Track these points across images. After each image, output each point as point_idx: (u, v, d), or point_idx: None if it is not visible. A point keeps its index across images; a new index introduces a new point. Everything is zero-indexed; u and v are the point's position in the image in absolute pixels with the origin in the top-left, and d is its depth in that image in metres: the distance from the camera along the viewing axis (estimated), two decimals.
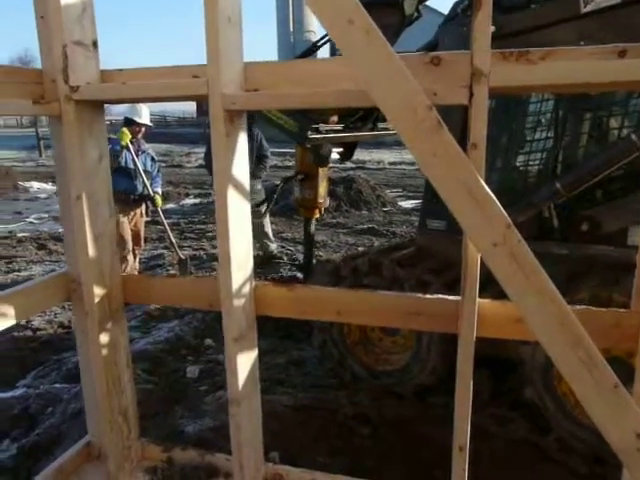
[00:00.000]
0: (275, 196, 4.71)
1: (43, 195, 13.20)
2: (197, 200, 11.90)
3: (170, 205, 11.36)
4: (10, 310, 1.66)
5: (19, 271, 6.43)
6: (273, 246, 6.52)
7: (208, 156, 6.21)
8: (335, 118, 3.83)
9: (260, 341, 3.75)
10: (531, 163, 3.22)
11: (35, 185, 14.22)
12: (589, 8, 2.74)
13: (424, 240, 3.48)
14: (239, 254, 1.62)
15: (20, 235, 8.51)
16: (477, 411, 2.86)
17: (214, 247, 7.48)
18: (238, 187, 1.59)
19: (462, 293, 1.47)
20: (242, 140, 1.60)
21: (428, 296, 1.63)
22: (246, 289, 1.68)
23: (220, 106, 1.47)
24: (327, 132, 3.74)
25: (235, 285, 1.61)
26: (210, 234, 8.21)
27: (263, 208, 5.45)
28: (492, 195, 1.28)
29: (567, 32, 2.75)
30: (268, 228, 6.42)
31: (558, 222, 2.98)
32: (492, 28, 3.14)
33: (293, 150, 4.53)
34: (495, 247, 1.27)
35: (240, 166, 1.60)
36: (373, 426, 2.74)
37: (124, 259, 5.15)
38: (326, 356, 3.38)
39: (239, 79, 1.52)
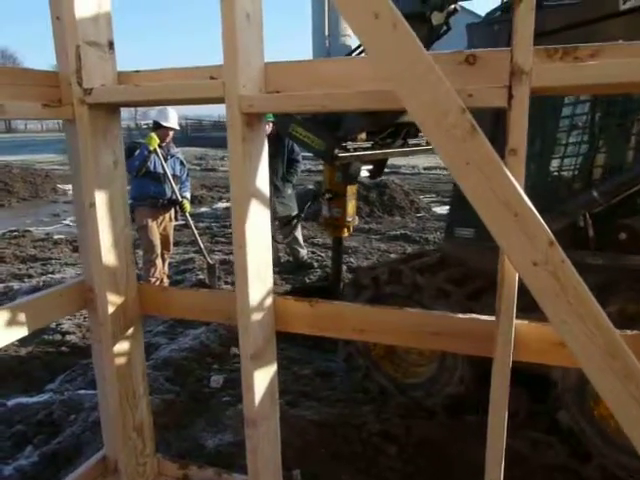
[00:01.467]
0: (303, 214, 4.64)
1: None
2: (229, 204, 11.91)
3: (203, 209, 11.43)
4: (24, 319, 1.61)
5: (53, 273, 6.52)
6: (303, 252, 6.43)
7: None
8: (363, 135, 3.74)
9: (288, 350, 3.69)
10: (565, 169, 3.04)
11: None
12: (628, 5, 2.57)
13: (450, 248, 3.32)
14: (257, 265, 1.53)
15: (56, 237, 8.67)
16: (512, 434, 2.72)
17: None
18: (257, 195, 1.50)
19: (497, 314, 1.33)
20: (262, 145, 1.51)
21: (460, 315, 1.50)
22: (265, 303, 1.58)
23: (237, 109, 1.38)
24: (355, 150, 3.65)
25: (253, 298, 1.51)
26: None
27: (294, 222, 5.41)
28: (533, 208, 1.14)
29: (605, 30, 2.58)
30: (299, 234, 6.33)
31: (593, 231, 2.79)
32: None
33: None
34: (535, 266, 1.14)
35: (259, 173, 1.51)
36: (400, 445, 2.60)
37: (153, 263, 5.15)
38: (352, 369, 3.26)
39: (259, 80, 1.43)
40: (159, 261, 5.19)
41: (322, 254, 6.91)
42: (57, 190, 13.90)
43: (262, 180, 1.52)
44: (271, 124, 5.93)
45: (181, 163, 5.33)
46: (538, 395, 2.86)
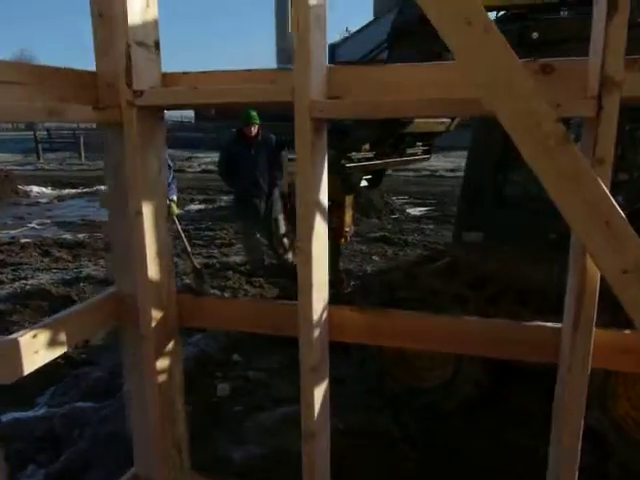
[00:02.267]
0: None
1: (44, 200, 12.99)
2: (202, 206, 11.73)
3: (176, 211, 11.21)
4: (61, 337, 1.52)
5: (26, 279, 6.25)
6: (289, 255, 6.36)
7: (223, 166, 6.06)
8: (367, 146, 3.75)
9: (296, 355, 3.62)
10: None
11: (35, 189, 14.02)
12: None
13: (459, 252, 3.34)
14: (320, 277, 1.48)
15: (23, 241, 8.32)
16: (533, 435, 2.75)
17: (224, 255, 7.33)
18: (321, 204, 1.46)
19: (574, 322, 1.32)
20: (325, 152, 1.47)
21: (521, 323, 1.50)
22: (323, 314, 1.54)
23: (307, 114, 1.33)
24: (359, 160, 3.65)
25: (315, 310, 1.47)
26: (219, 241, 8.06)
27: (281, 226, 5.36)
28: (624, 217, 1.14)
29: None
30: (285, 238, 6.26)
31: None
32: (535, 35, 3.01)
33: None
34: (625, 274, 1.14)
35: (324, 181, 1.46)
36: (421, 449, 2.60)
37: None
38: (365, 375, 3.24)
39: (323, 85, 1.39)
40: None
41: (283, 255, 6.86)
42: (18, 192, 13.36)
43: (325, 188, 1.48)
44: (256, 126, 5.87)
45: (167, 166, 5.18)
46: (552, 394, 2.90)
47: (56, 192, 13.98)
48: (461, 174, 12.82)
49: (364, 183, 4.16)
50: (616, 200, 2.76)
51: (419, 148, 4.24)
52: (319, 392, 1.55)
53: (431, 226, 9.77)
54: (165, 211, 1.67)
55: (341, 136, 3.68)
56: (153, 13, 1.54)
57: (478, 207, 3.12)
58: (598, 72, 1.16)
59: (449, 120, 3.94)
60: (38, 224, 10.08)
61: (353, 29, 39.77)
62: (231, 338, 3.76)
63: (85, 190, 13.77)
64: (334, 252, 4.47)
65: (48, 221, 10.32)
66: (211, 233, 8.67)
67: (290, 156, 3.84)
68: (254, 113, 5.77)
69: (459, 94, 1.29)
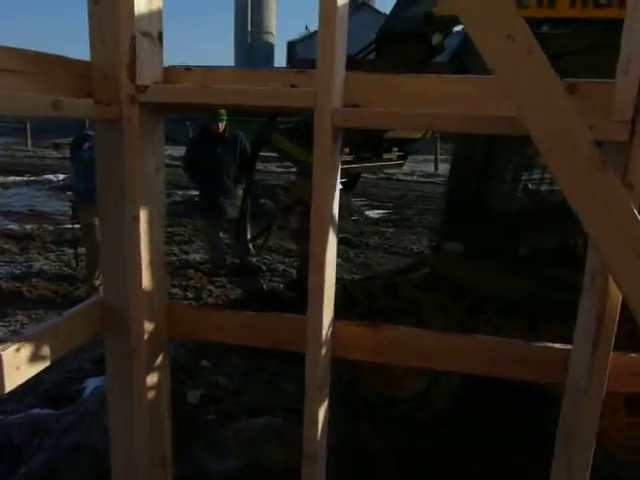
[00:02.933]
0: (274, 226, 4.52)
1: None
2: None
3: None
4: (44, 351, 1.39)
5: None
6: (251, 258, 6.26)
7: (188, 162, 5.87)
8: (347, 149, 3.71)
9: (266, 361, 3.53)
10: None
11: None
12: None
13: (439, 262, 3.34)
14: (330, 290, 1.42)
15: None
16: (514, 448, 2.78)
17: (184, 252, 7.12)
18: (334, 216, 1.39)
19: (594, 344, 1.31)
20: (338, 159, 1.40)
21: (534, 343, 1.48)
22: (330, 329, 1.47)
23: (329, 122, 1.27)
24: (340, 163, 3.60)
25: (324, 325, 1.41)
26: (178, 238, 7.83)
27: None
28: None
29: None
30: (247, 235, 6.14)
31: (584, 249, 2.92)
32: None
33: (276, 154, 4.35)
34: None
35: (337, 191, 1.40)
36: (398, 459, 2.57)
37: (96, 265, 4.77)
38: (342, 385, 3.18)
39: (341, 91, 1.33)
40: None
41: (268, 257, 6.77)
42: None
43: (337, 199, 1.41)
44: (224, 122, 5.72)
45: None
46: (532, 409, 2.94)
47: (0, 179, 13.25)
48: (417, 179, 13.00)
49: (340, 186, 4.13)
50: None
51: (394, 153, 4.24)
52: (322, 411, 1.49)
53: (390, 229, 9.84)
54: (163, 215, 1.56)
55: None
56: (159, 2, 1.43)
57: (460, 218, 3.13)
58: (632, 95, 1.15)
59: None
60: None
61: (312, 28, 39.87)
62: (198, 343, 3.63)
63: (32, 178, 13.09)
64: (306, 257, 4.42)
65: None
66: (170, 229, 8.40)
67: None
68: (222, 110, 5.62)
69: (480, 110, 1.26)
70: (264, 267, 6.29)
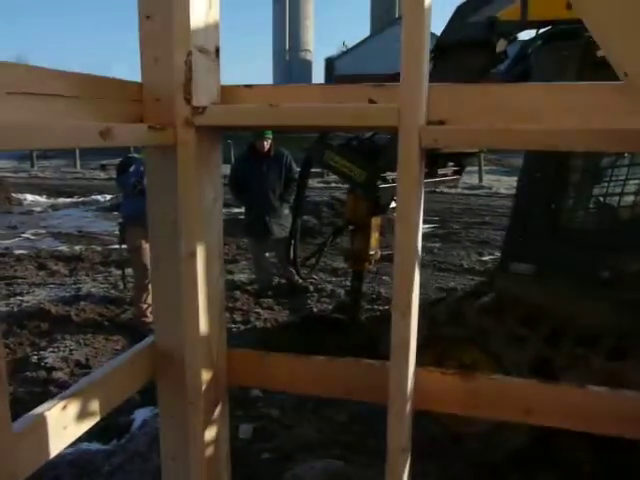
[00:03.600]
0: (327, 247, 4.36)
1: (38, 208, 12.63)
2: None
3: None
4: (93, 406, 1.24)
5: (22, 294, 5.91)
6: (297, 277, 6.09)
7: (234, 181, 5.76)
8: None
9: None
10: None
11: (29, 197, 13.66)
12: None
13: (507, 285, 3.08)
14: (414, 335, 1.22)
15: (18, 252, 7.98)
16: None
17: (229, 272, 7.01)
18: (418, 249, 1.19)
19: None
20: (423, 186, 1.21)
21: None
22: (412, 378, 1.27)
23: (416, 143, 1.08)
24: (393, 181, 3.44)
25: (408, 377, 1.21)
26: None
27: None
28: None
29: None
30: (298, 255, 5.98)
31: None
32: (600, 52, 2.78)
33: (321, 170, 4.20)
34: None
35: (421, 222, 1.20)
36: None
37: (145, 288, 4.70)
38: None
39: (425, 107, 1.13)
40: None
41: (315, 277, 6.59)
42: (11, 199, 12.98)
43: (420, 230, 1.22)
44: (269, 141, 5.62)
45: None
46: (606, 444, 2.64)
47: (51, 201, 13.62)
48: (461, 191, 12.64)
49: (393, 204, 3.93)
50: None
51: (450, 168, 4.02)
52: (407, 475, 1.28)
53: (438, 244, 9.53)
54: (221, 250, 1.40)
55: (372, 156, 3.46)
56: (215, 14, 1.28)
57: (529, 237, 2.88)
58: None
59: None
60: (32, 234, 9.72)
61: (350, 44, 40.00)
62: None
63: (81, 199, 13.41)
64: (357, 277, 4.23)
65: (43, 231, 9.97)
66: None
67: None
68: None
69: (601, 122, 1.05)
70: (312, 287, 6.12)
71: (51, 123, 0.94)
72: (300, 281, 6.13)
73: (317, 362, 1.41)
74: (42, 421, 1.10)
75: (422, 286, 4.64)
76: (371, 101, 1.16)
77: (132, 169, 4.51)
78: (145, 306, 4.70)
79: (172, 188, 1.31)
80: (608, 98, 1.02)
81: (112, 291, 5.74)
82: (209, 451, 1.41)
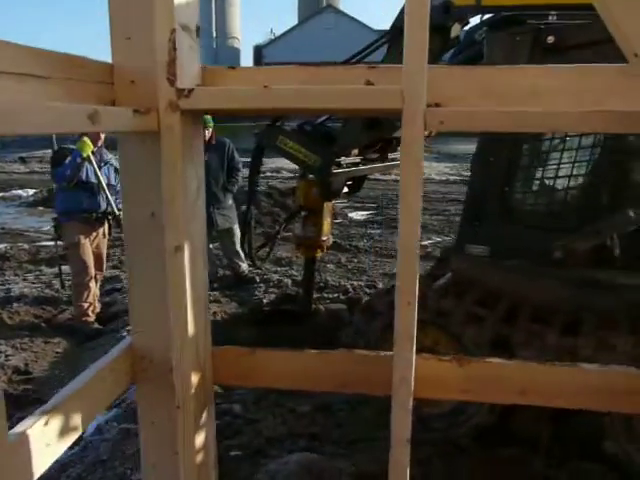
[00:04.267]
0: (279, 235, 4.28)
1: None
2: None
3: None
4: (75, 420, 1.13)
5: None
6: (244, 266, 5.98)
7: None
8: (356, 150, 3.51)
9: None
10: (597, 187, 2.99)
11: None
12: None
13: (462, 267, 3.14)
14: (415, 324, 1.19)
15: None
16: (559, 464, 2.60)
17: None
18: (419, 236, 1.17)
19: None
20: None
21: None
22: (413, 368, 1.25)
23: (421, 126, 1.04)
24: (348, 166, 3.41)
25: (412, 367, 1.18)
26: None
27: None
28: None
29: None
30: (238, 246, 5.87)
31: (619, 250, 2.76)
32: (551, 39, 2.86)
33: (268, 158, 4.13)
34: None
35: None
36: None
37: (86, 286, 4.45)
38: (360, 403, 2.97)
39: (425, 89, 1.11)
40: (92, 284, 4.49)
41: (261, 268, 6.50)
42: None
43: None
44: (210, 129, 5.44)
45: (116, 170, 4.66)
46: (563, 417, 2.76)
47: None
48: (395, 177, 12.88)
49: (345, 189, 3.91)
50: (627, 215, 2.67)
51: (399, 153, 4.06)
52: (407, 467, 1.26)
53: (377, 231, 9.68)
54: (205, 243, 1.31)
55: (326, 141, 3.42)
56: None
57: (483, 220, 2.95)
58: None
59: None
60: None
61: (278, 32, 39.62)
62: None
63: (1, 195, 12.52)
64: (309, 264, 4.19)
65: None
66: None
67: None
68: (208, 116, 5.34)
69: (600, 105, 1.06)
70: (258, 278, 6.03)
71: (38, 106, 0.83)
72: (245, 272, 6.04)
73: (309, 356, 1.36)
74: (23, 441, 0.99)
75: (365, 272, 4.68)
76: (368, 83, 1.11)
77: (68, 161, 4.23)
78: (86, 305, 4.46)
79: (151, 178, 1.21)
80: (613, 80, 1.02)
81: (46, 291, 5.39)
82: (199, 455, 1.34)
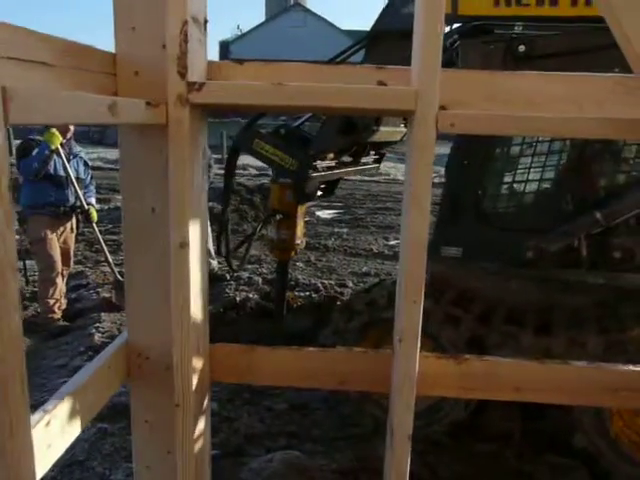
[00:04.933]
0: (255, 236, 4.26)
1: None
2: (97, 206, 10.70)
3: None
4: (75, 419, 1.10)
5: None
6: (214, 263, 5.93)
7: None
8: (332, 155, 3.52)
9: None
10: (564, 190, 3.08)
11: None
12: None
13: (437, 268, 3.19)
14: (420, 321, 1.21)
15: None
16: (531, 459, 2.67)
17: None
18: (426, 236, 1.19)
19: None
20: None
21: (632, 367, 1.34)
22: (415, 367, 1.27)
23: (433, 128, 1.06)
24: (324, 169, 3.43)
25: (416, 365, 1.20)
26: None
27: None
28: None
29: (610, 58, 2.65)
30: (210, 244, 5.81)
31: (587, 250, 2.87)
32: (522, 48, 2.94)
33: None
34: None
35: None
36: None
37: (52, 282, 4.31)
38: (341, 400, 2.98)
39: (437, 91, 1.12)
40: (59, 280, 4.36)
41: (237, 271, 6.44)
42: None
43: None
44: None
45: (85, 164, 4.54)
46: (533, 413, 2.85)
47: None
48: (361, 178, 12.92)
49: (319, 192, 3.92)
50: (593, 217, 2.77)
51: (371, 157, 4.11)
52: (408, 463, 1.28)
53: (345, 229, 9.73)
54: (206, 239, 1.30)
55: (302, 144, 3.41)
56: None
57: (457, 222, 3.01)
58: None
59: (404, 129, 3.85)
60: None
61: (244, 28, 39.26)
62: None
63: None
64: (283, 267, 4.18)
65: None
66: (114, 237, 7.86)
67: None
68: None
69: (600, 112, 1.10)
70: (228, 276, 5.97)
71: (60, 95, 0.80)
72: (215, 270, 5.97)
73: (308, 353, 1.37)
74: (28, 443, 0.96)
75: (335, 271, 4.69)
76: (380, 83, 1.12)
77: (35, 152, 4.08)
78: (53, 301, 4.32)
79: (153, 173, 1.20)
80: (615, 88, 1.06)
81: None
82: (197, 454, 1.32)
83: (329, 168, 3.56)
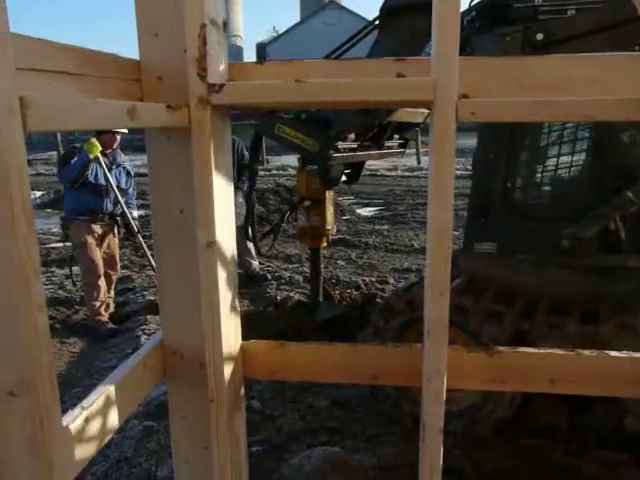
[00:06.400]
0: (283, 223, 4.28)
1: None
2: (142, 212, 11.02)
3: None
4: (112, 415, 1.14)
5: None
6: (255, 264, 6.01)
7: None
8: (352, 136, 3.51)
9: None
10: (593, 173, 2.98)
11: None
12: None
13: (472, 265, 3.12)
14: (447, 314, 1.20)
15: None
16: (581, 453, 2.59)
17: None
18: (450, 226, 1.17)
19: None
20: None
21: None
22: (444, 359, 1.25)
23: (453, 117, 1.04)
24: (345, 151, 3.42)
25: (445, 359, 1.19)
26: None
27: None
28: None
29: (620, 37, 2.53)
30: (250, 244, 5.89)
31: (625, 233, 2.75)
32: (540, 36, 2.84)
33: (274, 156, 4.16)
34: None
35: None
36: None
37: (95, 286, 4.46)
38: (380, 398, 2.97)
39: (457, 80, 1.10)
40: (102, 282, 4.50)
41: (272, 265, 6.52)
42: None
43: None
44: None
45: (127, 174, 4.68)
46: (580, 406, 2.77)
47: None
48: (401, 173, 12.85)
49: (343, 178, 3.92)
50: (625, 197, 2.66)
51: (395, 142, 4.08)
52: (441, 457, 1.27)
53: (386, 226, 9.69)
54: (234, 237, 1.32)
55: (323, 127, 3.40)
56: None
57: (488, 217, 2.95)
58: None
59: (426, 110, 3.80)
60: None
61: (280, 29, 39.61)
62: None
63: None
64: (315, 255, 4.19)
65: None
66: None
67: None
68: None
69: (621, 92, 1.06)
70: (269, 276, 6.04)
71: (87, 103, 0.84)
72: (257, 270, 6.05)
73: (340, 349, 1.37)
74: (67, 437, 1.00)
75: (376, 268, 4.67)
76: (399, 75, 1.11)
77: (74, 161, 4.24)
78: (98, 304, 4.48)
79: (180, 175, 1.23)
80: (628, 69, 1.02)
81: (59, 292, 5.43)
82: (232, 450, 1.35)
83: (351, 150, 3.55)
